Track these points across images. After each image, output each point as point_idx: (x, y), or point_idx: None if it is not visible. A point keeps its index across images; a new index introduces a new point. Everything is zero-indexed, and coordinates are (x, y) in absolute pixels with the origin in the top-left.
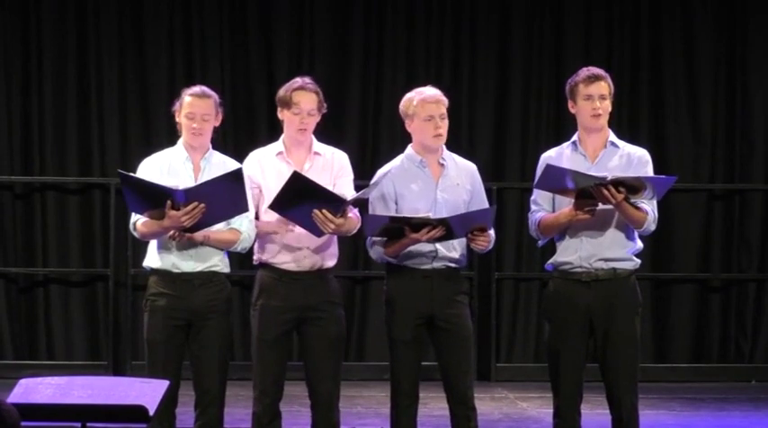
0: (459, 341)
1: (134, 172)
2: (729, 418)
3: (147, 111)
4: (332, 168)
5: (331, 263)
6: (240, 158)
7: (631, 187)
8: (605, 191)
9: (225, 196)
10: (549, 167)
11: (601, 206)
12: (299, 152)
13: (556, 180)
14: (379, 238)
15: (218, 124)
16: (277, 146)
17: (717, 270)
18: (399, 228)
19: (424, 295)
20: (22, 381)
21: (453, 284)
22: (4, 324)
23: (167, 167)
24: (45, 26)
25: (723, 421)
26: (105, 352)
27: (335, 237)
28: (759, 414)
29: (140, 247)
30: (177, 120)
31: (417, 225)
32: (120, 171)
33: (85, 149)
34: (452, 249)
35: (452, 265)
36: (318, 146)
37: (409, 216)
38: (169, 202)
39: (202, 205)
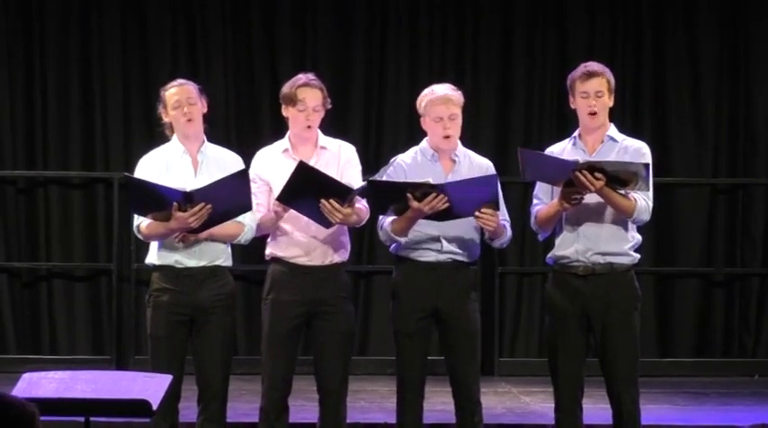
0: (465, 335)
1: (134, 169)
2: (733, 412)
3: (150, 106)
4: (338, 161)
5: (342, 257)
6: (244, 155)
7: (615, 178)
8: (581, 177)
9: (230, 196)
10: (523, 153)
11: (588, 197)
12: (305, 148)
13: (537, 167)
14: (386, 217)
15: (205, 110)
16: (283, 143)
17: (720, 264)
18: (404, 203)
19: (428, 287)
20: (26, 376)
21: (460, 278)
22: (7, 318)
23: (165, 164)
24: (48, 21)
25: (726, 415)
26: (109, 346)
27: (347, 231)
28: (762, 409)
29: (143, 242)
30: (165, 119)
31: (422, 196)
32: (126, 174)
33: (89, 144)
34: (458, 244)
35: (459, 258)
36: (324, 140)
37: (412, 181)
38: (176, 204)
39: (209, 206)
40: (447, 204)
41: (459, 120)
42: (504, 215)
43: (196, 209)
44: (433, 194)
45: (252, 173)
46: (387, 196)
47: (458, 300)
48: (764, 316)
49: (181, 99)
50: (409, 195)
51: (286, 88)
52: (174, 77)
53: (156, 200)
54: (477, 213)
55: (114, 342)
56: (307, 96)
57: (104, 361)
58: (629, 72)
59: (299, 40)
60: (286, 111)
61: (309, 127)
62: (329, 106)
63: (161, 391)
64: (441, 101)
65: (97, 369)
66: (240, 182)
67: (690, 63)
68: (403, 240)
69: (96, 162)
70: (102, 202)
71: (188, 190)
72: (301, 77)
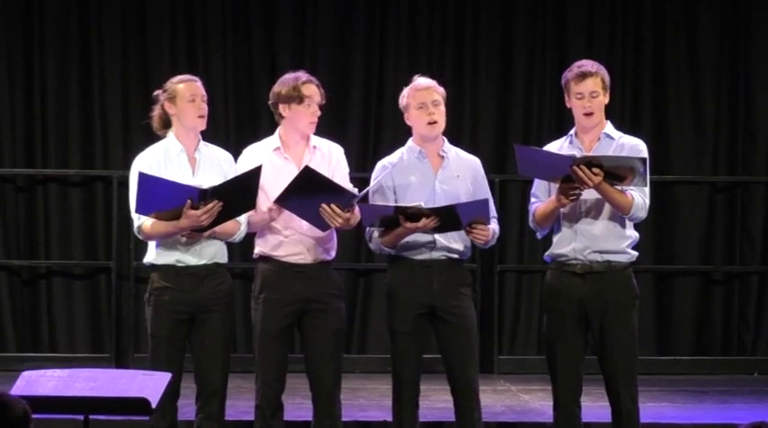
0: (461, 332)
1: (131, 166)
2: (732, 410)
3: (149, 104)
4: (329, 162)
5: (331, 255)
6: (242, 150)
7: (612, 173)
8: (580, 172)
9: (242, 194)
10: (520, 150)
11: (585, 195)
12: (297, 147)
13: (534, 163)
14: (376, 229)
15: None
16: (273, 141)
17: (719, 262)
18: (395, 218)
19: (423, 285)
20: (25, 374)
21: (454, 275)
22: (6, 316)
23: (164, 161)
24: (48, 19)
25: (726, 413)
26: (108, 344)
27: (334, 230)
28: (762, 407)
29: (143, 240)
30: (170, 111)
31: (412, 215)
32: (141, 171)
33: (88, 142)
34: (452, 240)
35: (453, 256)
36: (315, 139)
37: (402, 205)
38: (189, 202)
39: (220, 203)
40: (438, 223)
41: (443, 109)
42: (492, 212)
43: (209, 206)
44: (425, 217)
45: (239, 170)
46: (377, 215)
47: (453, 297)
48: (763, 313)
49: (196, 93)
50: (401, 216)
51: (285, 88)
52: (175, 73)
53: (168, 197)
54: (468, 228)
55: (113, 340)
56: (312, 93)
57: (103, 359)
58: (628, 70)
59: (299, 40)
60: (286, 111)
61: (314, 123)
62: (323, 102)
63: (160, 389)
64: (422, 87)
65: (96, 367)
66: (253, 180)
67: (690, 61)
68: (393, 252)
69: (95, 160)
70: (101, 200)
71: (204, 187)
72: (301, 75)
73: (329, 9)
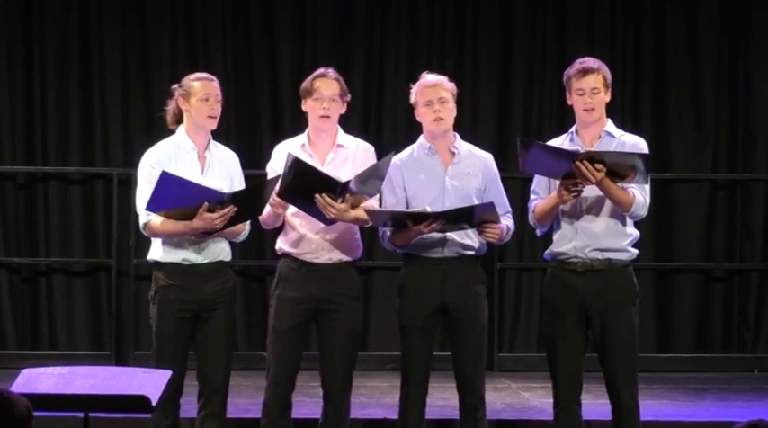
0: (472, 331)
1: (137, 162)
2: (732, 408)
3: (149, 101)
4: (354, 161)
5: (351, 255)
6: (242, 149)
7: (615, 171)
8: (583, 168)
9: (256, 201)
10: (523, 143)
11: (586, 192)
12: (323, 143)
13: (537, 158)
14: (388, 229)
15: None
16: (302, 137)
17: (719, 260)
18: (403, 220)
19: (434, 283)
20: (25, 371)
21: (468, 273)
22: (6, 313)
23: (174, 157)
24: (48, 16)
25: (726, 411)
26: (108, 341)
27: (357, 230)
28: (762, 404)
29: (143, 238)
30: (183, 107)
31: (418, 216)
32: (164, 171)
33: (88, 139)
34: (465, 236)
35: (466, 253)
36: (343, 138)
37: (407, 210)
38: (206, 204)
39: (235, 208)
40: (443, 225)
41: (451, 106)
42: (505, 207)
43: (225, 211)
44: (429, 220)
45: (269, 166)
46: (386, 217)
47: (465, 295)
48: (764, 311)
49: (210, 93)
50: (408, 221)
51: (304, 82)
52: (174, 76)
53: (184, 197)
54: (478, 228)
55: (113, 337)
56: (322, 86)
57: (104, 356)
58: (628, 66)
59: (299, 39)
60: (305, 106)
61: (325, 116)
62: (348, 99)
63: (160, 387)
64: (430, 84)
65: (96, 364)
66: (269, 190)
67: (690, 59)
68: (405, 251)
69: (96, 158)
70: (101, 198)
71: (224, 191)
72: (320, 70)
73: (329, 8)
